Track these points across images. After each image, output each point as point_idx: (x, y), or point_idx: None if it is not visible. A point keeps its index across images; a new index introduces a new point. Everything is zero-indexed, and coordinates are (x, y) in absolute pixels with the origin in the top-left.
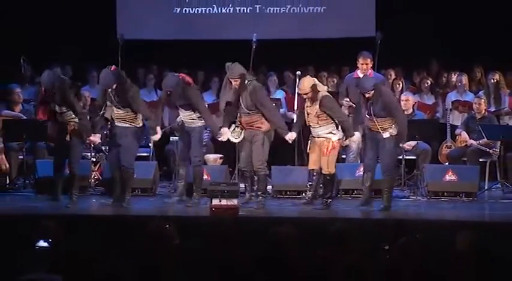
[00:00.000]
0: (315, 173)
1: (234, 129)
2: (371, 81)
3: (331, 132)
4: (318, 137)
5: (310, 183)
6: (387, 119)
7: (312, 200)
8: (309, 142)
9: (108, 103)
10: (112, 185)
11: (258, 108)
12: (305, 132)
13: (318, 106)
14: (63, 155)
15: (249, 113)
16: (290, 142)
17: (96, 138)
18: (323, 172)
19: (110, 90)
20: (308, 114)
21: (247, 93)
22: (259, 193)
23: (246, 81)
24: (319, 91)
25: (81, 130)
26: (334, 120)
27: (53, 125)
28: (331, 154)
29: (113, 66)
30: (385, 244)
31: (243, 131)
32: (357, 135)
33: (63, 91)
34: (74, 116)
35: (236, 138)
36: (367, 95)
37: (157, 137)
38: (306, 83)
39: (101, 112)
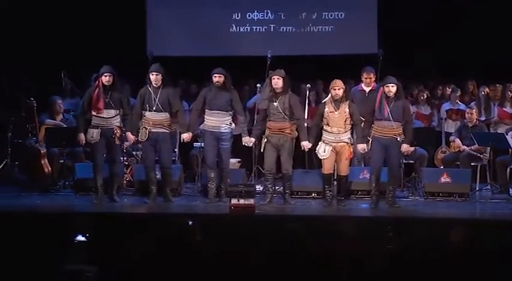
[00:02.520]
0: (329, 177)
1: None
2: (394, 78)
3: (350, 137)
4: (339, 142)
5: (329, 188)
6: (400, 125)
7: (332, 201)
8: (323, 148)
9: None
10: (149, 186)
11: (293, 111)
12: (316, 140)
13: (347, 109)
14: (103, 156)
15: (283, 118)
16: (307, 149)
17: (132, 137)
18: (343, 174)
19: (153, 95)
20: (333, 121)
21: (286, 97)
22: (287, 191)
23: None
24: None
25: (125, 126)
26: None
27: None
28: (350, 157)
29: None
30: (390, 231)
31: (264, 141)
32: (364, 145)
33: (121, 95)
34: (118, 121)
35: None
36: (391, 87)
37: (188, 136)
38: (339, 81)
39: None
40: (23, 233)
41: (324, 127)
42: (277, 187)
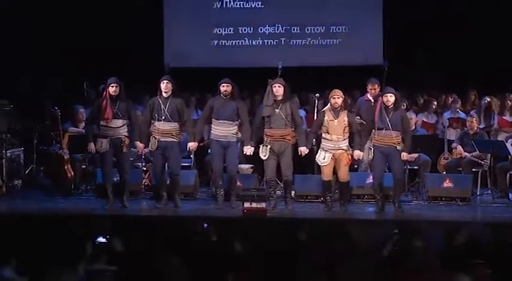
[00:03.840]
0: (329, 183)
1: (262, 149)
2: (394, 90)
3: (348, 145)
4: (338, 150)
5: (329, 194)
6: (400, 134)
7: (332, 206)
8: (323, 155)
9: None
10: (159, 192)
11: (294, 118)
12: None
13: (346, 117)
14: (111, 165)
15: (285, 125)
16: (303, 154)
17: (141, 145)
18: (342, 180)
19: (162, 105)
20: (333, 128)
21: (287, 104)
22: (287, 196)
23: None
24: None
25: (133, 135)
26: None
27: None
28: (348, 164)
29: None
30: (396, 234)
31: (268, 148)
32: (360, 152)
33: (128, 106)
34: (125, 130)
35: (264, 156)
36: (389, 97)
37: (193, 145)
38: (339, 91)
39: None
40: (48, 234)
41: (324, 135)
42: (280, 192)
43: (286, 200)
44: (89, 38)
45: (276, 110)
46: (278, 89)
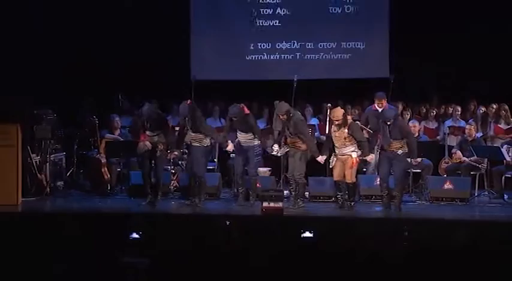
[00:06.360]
0: (340, 184)
1: (281, 147)
2: (392, 113)
3: (353, 151)
4: (343, 155)
5: (338, 193)
6: (400, 141)
7: (343, 204)
8: (331, 159)
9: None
10: (188, 190)
11: (300, 136)
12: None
13: (346, 130)
14: (151, 167)
15: (292, 136)
16: (322, 162)
17: (177, 154)
18: (348, 181)
19: (186, 118)
20: (335, 138)
21: (291, 124)
22: (299, 197)
23: (291, 114)
24: (347, 118)
25: (169, 146)
26: (355, 142)
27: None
28: (354, 167)
29: (189, 101)
30: (405, 231)
31: (285, 147)
32: (372, 155)
33: (160, 120)
34: (161, 138)
35: (280, 153)
36: (388, 123)
37: (230, 148)
38: (339, 112)
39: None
40: (87, 230)
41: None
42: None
43: (295, 200)
44: (121, 53)
45: (286, 128)
46: (283, 118)
